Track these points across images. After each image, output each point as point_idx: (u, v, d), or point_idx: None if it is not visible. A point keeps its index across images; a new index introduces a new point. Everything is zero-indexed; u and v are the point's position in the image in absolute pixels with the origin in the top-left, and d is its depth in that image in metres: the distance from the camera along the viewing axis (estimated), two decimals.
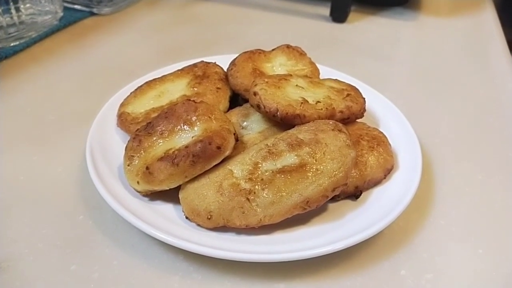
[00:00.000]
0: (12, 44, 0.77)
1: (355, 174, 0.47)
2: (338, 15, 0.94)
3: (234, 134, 0.47)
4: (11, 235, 0.45)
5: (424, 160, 0.54)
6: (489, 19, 1.00)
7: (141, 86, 0.58)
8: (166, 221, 0.43)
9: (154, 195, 0.46)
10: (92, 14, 0.91)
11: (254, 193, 0.42)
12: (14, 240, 0.44)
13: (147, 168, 0.44)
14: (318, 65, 0.63)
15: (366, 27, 0.94)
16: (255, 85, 0.51)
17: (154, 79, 0.59)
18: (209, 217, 0.42)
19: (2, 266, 0.42)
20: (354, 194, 0.47)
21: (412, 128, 0.56)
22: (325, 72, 0.64)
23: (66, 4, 0.90)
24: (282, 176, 0.43)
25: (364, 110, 0.54)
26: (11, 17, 0.77)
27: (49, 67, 0.74)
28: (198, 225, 0.43)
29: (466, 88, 0.75)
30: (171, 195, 0.45)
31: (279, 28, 0.92)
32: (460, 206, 0.51)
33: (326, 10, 0.96)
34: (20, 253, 0.43)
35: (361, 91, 0.57)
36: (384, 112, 0.59)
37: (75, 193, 0.50)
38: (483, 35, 0.94)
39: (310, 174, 0.43)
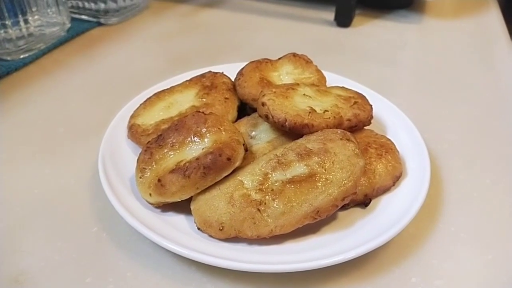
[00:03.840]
0: (21, 57, 0.78)
1: (364, 182, 0.47)
2: (343, 20, 0.95)
3: (244, 144, 0.47)
4: (26, 248, 0.46)
5: (432, 165, 0.55)
6: (494, 20, 1.00)
7: (150, 97, 0.59)
8: (179, 233, 0.44)
9: (166, 207, 0.47)
10: (99, 24, 0.93)
11: (265, 203, 0.43)
12: (30, 254, 0.45)
13: (159, 180, 0.45)
14: (324, 72, 0.64)
15: (370, 31, 0.95)
16: (263, 95, 0.52)
17: (163, 90, 0.60)
18: (221, 228, 0.43)
19: (19, 279, 0.42)
20: (364, 202, 0.48)
21: (420, 133, 0.56)
22: (332, 79, 0.65)
23: (73, 15, 0.91)
24: (292, 186, 0.43)
25: (372, 117, 0.55)
26: (20, 30, 0.78)
27: (59, 79, 0.75)
28: (210, 236, 0.44)
29: (472, 91, 0.75)
30: (183, 207, 0.46)
31: (284, 34, 0.93)
32: (469, 211, 0.51)
33: (330, 15, 0.96)
34: (36, 266, 0.44)
35: (368, 97, 0.57)
36: (391, 119, 0.60)
37: (89, 205, 0.50)
38: (488, 36, 0.94)
39: (320, 184, 0.43)
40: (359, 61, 0.83)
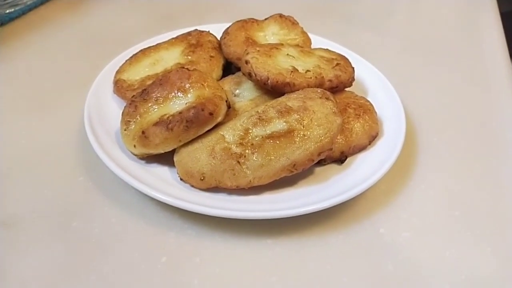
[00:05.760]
0: (7, 11, 0.77)
1: (341, 140, 0.49)
2: None
3: (226, 101, 0.49)
4: (15, 195, 0.47)
5: (410, 128, 0.57)
6: None
7: (136, 54, 0.60)
8: (162, 182, 0.46)
9: (150, 158, 0.48)
10: None
11: (245, 156, 0.45)
12: (18, 200, 0.47)
13: (143, 132, 0.46)
14: (310, 35, 0.64)
15: None
16: (247, 53, 0.53)
17: (149, 47, 0.60)
18: (202, 178, 0.45)
19: (7, 223, 0.44)
20: (340, 159, 0.50)
21: (400, 97, 0.58)
22: (317, 41, 0.66)
23: None
24: (271, 141, 0.45)
25: (353, 79, 0.56)
26: None
27: (45, 34, 0.75)
28: (192, 186, 0.46)
29: (456, 59, 0.76)
30: (166, 158, 0.48)
31: None
32: (440, 171, 0.54)
33: None
34: (24, 211, 0.46)
35: (350, 60, 0.58)
36: (372, 81, 0.61)
37: (75, 156, 0.52)
38: (477, 6, 0.95)
39: (298, 139, 0.45)
40: (346, 26, 0.84)
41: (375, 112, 0.54)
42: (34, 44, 0.72)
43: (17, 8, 0.78)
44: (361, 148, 0.51)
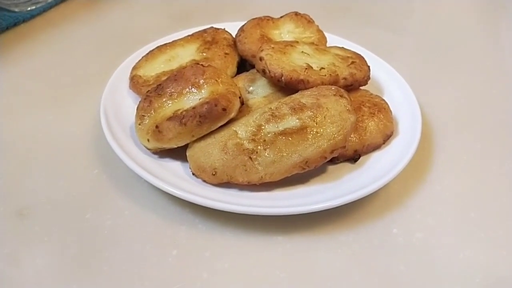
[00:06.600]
0: (29, 9, 0.79)
1: (354, 139, 0.49)
2: None
3: (240, 97, 0.49)
4: (31, 186, 0.48)
5: (426, 129, 0.56)
6: None
7: (152, 50, 0.60)
8: (174, 177, 0.46)
9: (163, 153, 0.49)
10: None
11: (257, 152, 0.45)
12: (34, 191, 0.48)
13: (156, 127, 0.47)
14: (326, 33, 0.64)
15: None
16: (261, 50, 0.53)
17: (165, 44, 0.61)
18: (213, 173, 0.45)
19: (23, 213, 0.45)
20: (353, 157, 0.49)
21: (416, 97, 0.57)
22: (333, 40, 0.65)
23: None
24: (284, 137, 0.45)
25: (368, 78, 0.56)
26: None
27: (65, 32, 0.76)
28: (204, 181, 0.46)
29: (474, 60, 0.75)
30: (179, 153, 0.48)
31: None
32: (456, 173, 0.53)
33: None
34: (39, 202, 0.47)
35: (366, 59, 0.58)
36: (388, 81, 0.60)
37: (90, 150, 0.53)
38: (496, 7, 0.93)
39: (310, 136, 0.45)
40: (363, 25, 0.83)
41: (391, 111, 0.53)
42: (54, 40, 0.74)
43: (38, 5, 0.80)
44: (375, 147, 0.51)
